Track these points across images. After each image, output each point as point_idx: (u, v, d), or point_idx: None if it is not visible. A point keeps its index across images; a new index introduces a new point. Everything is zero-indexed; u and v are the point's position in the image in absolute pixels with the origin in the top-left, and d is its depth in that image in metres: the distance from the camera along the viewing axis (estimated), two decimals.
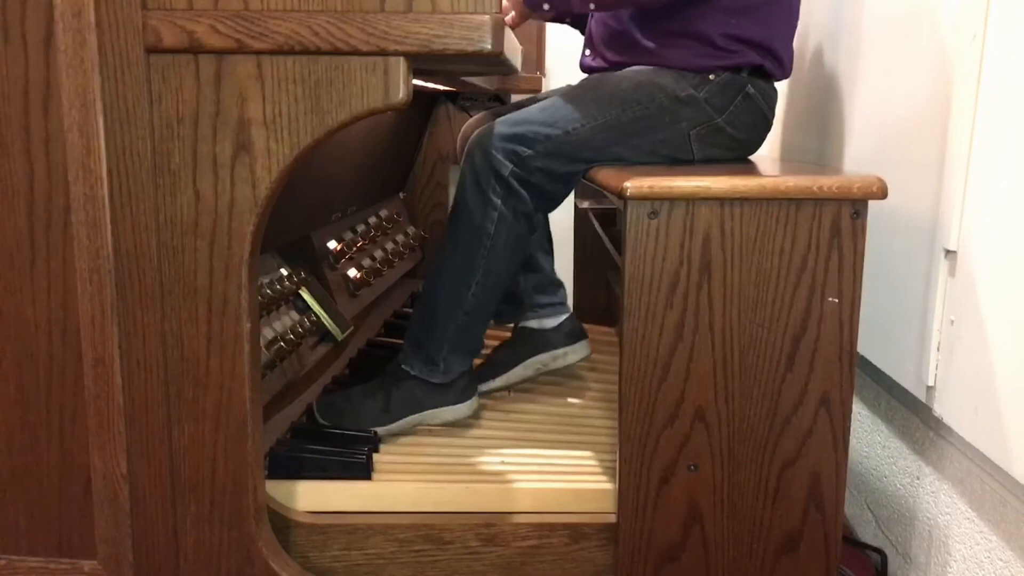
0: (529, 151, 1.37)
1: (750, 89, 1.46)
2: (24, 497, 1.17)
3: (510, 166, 1.37)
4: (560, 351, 1.66)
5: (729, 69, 1.44)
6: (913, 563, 1.42)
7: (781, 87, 2.17)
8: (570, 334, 1.69)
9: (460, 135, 1.81)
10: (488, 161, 1.37)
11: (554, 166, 1.39)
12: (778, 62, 1.49)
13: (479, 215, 1.39)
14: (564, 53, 2.25)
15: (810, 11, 1.94)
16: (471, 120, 1.80)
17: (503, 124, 1.39)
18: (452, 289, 1.44)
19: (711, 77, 1.43)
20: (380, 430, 1.46)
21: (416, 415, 1.48)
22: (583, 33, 1.74)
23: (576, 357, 1.69)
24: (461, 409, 1.50)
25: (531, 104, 1.50)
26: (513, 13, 1.52)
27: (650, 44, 1.47)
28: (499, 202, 1.38)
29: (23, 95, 1.07)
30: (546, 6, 1.48)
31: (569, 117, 1.39)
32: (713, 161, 1.47)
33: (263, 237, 1.12)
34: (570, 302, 2.46)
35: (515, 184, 1.38)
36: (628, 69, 1.48)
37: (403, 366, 1.49)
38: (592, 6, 1.42)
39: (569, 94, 1.45)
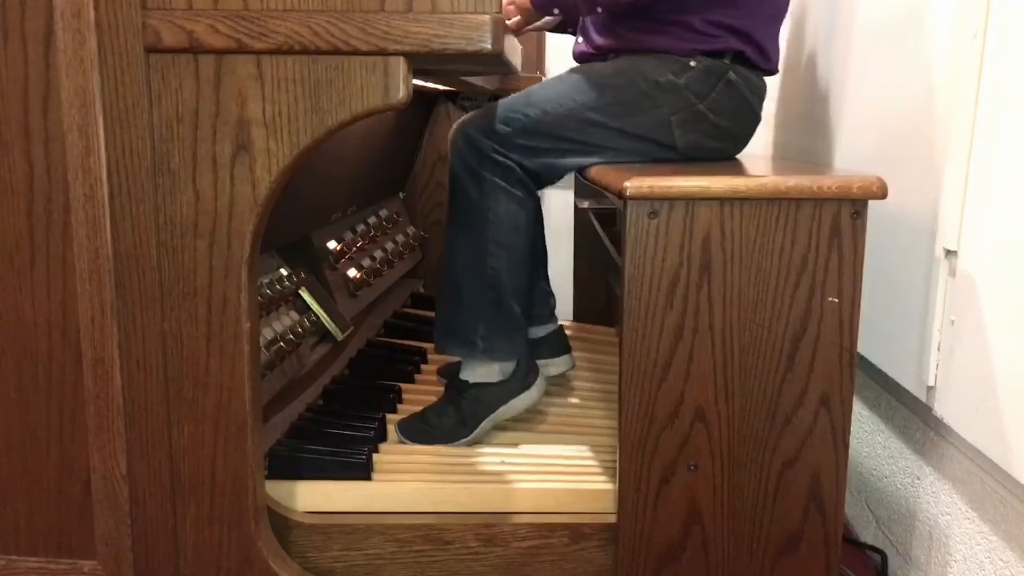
0: (508, 128, 1.42)
1: (731, 76, 1.47)
2: (24, 497, 1.17)
3: (488, 142, 1.42)
4: (542, 362, 1.66)
5: (709, 54, 1.46)
6: (913, 563, 1.42)
7: (781, 86, 2.17)
8: (554, 346, 1.73)
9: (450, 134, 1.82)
10: (468, 141, 1.43)
11: (534, 143, 1.43)
12: (761, 52, 1.50)
13: (474, 191, 1.44)
14: (564, 54, 2.25)
15: (810, 9, 1.94)
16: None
17: (481, 109, 1.47)
18: (469, 267, 1.46)
19: (692, 64, 1.45)
20: (464, 442, 1.47)
21: (490, 417, 1.49)
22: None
23: (557, 371, 1.74)
24: (531, 395, 1.52)
25: None
26: (517, 17, 1.54)
27: (629, 33, 1.51)
28: (487, 174, 1.43)
29: (23, 95, 1.07)
30: (556, 10, 1.53)
31: (547, 98, 1.45)
32: (698, 147, 1.49)
33: (263, 237, 1.12)
34: (570, 302, 2.46)
35: (498, 157, 1.42)
36: (612, 59, 1.52)
37: (460, 376, 1.51)
38: (599, 8, 1.46)
39: (550, 80, 1.52)
